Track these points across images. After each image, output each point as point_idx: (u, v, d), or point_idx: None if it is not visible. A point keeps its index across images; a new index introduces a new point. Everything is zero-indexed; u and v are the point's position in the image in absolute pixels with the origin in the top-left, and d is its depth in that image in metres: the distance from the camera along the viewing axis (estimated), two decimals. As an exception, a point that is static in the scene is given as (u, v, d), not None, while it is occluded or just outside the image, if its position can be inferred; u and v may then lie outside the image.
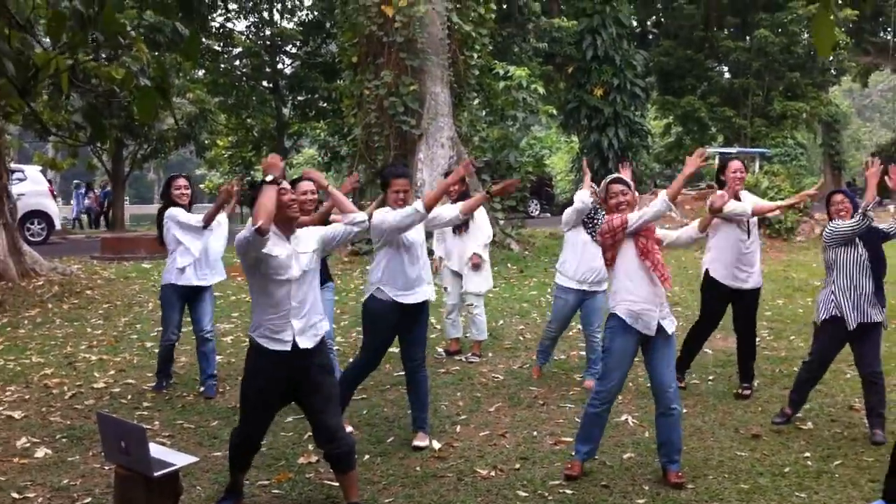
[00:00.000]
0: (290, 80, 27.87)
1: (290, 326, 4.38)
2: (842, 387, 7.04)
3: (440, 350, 8.44)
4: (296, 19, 28.65)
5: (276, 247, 4.32)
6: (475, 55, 15.69)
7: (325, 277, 6.37)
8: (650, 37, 35.48)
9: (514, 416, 6.36)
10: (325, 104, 27.27)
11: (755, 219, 6.88)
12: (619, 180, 5.20)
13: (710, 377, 7.43)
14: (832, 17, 2.36)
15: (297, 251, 4.45)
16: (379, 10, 14.15)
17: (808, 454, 5.48)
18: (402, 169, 6.35)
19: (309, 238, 4.59)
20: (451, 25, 14.93)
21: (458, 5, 15.13)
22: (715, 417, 6.29)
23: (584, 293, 7.07)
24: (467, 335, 8.42)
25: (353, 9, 14.56)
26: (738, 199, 6.67)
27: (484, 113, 17.47)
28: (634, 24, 32.48)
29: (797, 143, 34.25)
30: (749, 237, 6.79)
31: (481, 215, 8.05)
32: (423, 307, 5.70)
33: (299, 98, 28.25)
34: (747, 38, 31.19)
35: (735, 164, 6.71)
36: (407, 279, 5.56)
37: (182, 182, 7.01)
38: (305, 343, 4.42)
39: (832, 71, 36.70)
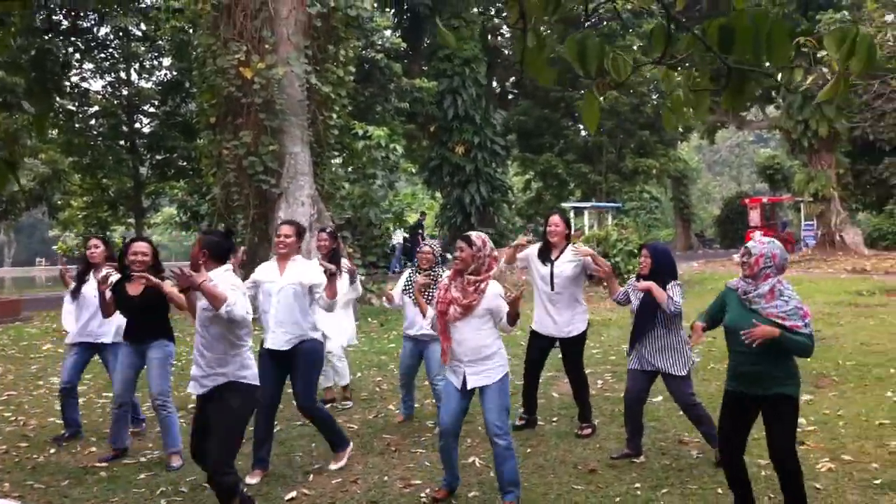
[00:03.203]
0: (149, 140, 27.50)
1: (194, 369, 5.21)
2: (674, 422, 7.52)
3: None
4: (154, 79, 28.39)
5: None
6: (335, 115, 15.98)
7: (158, 333, 6.67)
8: (509, 97, 36.76)
9: (367, 464, 6.55)
10: (184, 163, 27.03)
11: (570, 271, 7.26)
12: (464, 238, 5.57)
13: (555, 419, 7.81)
14: (598, 100, 2.78)
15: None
16: (237, 71, 14.30)
17: (638, 485, 5.85)
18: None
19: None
20: (310, 87, 15.20)
21: (317, 67, 15.43)
22: (556, 455, 6.64)
23: (418, 341, 7.64)
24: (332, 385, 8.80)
25: (211, 70, 14.65)
26: (548, 248, 7.36)
27: (345, 171, 17.76)
28: (494, 84, 33.63)
29: (652, 196, 36.05)
30: (553, 289, 7.27)
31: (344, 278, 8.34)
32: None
33: (158, 157, 27.86)
34: (601, 98, 32.64)
35: (552, 219, 7.39)
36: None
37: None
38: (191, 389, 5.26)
39: (679, 129, 38.87)
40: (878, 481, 5.74)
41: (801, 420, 6.05)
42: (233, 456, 5.08)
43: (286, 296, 6.27)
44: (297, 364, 6.32)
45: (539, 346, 7.52)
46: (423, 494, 5.76)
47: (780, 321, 4.73)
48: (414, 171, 33.91)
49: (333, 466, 6.41)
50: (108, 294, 6.63)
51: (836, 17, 25.78)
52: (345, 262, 8.41)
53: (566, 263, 7.26)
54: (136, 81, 27.99)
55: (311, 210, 14.73)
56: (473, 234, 5.57)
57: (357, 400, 8.86)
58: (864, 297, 16.65)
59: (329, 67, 15.70)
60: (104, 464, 6.68)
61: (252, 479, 6.12)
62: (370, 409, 8.46)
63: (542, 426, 7.58)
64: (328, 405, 8.40)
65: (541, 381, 9.22)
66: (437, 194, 35.59)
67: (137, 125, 28.12)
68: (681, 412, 7.62)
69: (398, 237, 26.75)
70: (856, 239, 29.68)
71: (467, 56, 27.84)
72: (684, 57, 2.71)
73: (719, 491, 5.64)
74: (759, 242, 4.98)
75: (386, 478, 6.19)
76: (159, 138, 26.91)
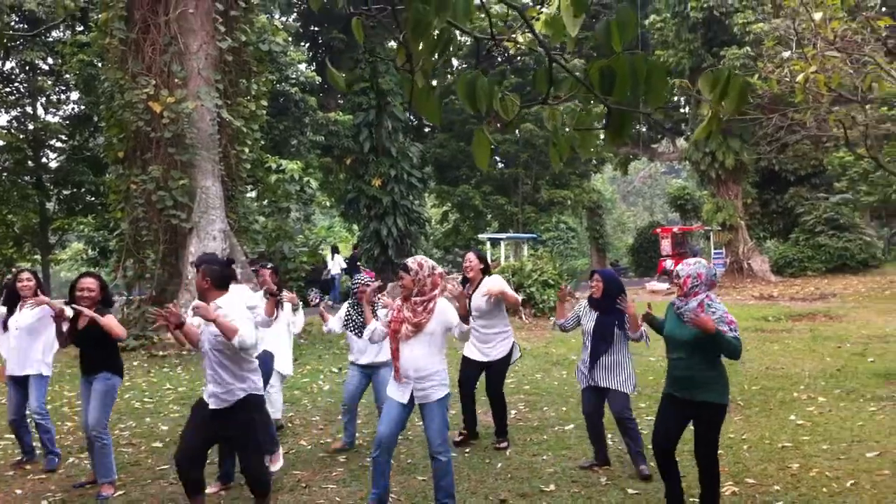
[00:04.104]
0: (55, 174, 26.87)
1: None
2: (584, 450, 7.60)
3: None
4: (61, 113, 27.81)
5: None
6: (247, 149, 15.86)
7: (102, 366, 6.73)
8: (426, 129, 37.00)
9: (277, 500, 6.46)
10: (92, 198, 26.46)
11: (485, 305, 7.85)
12: (402, 267, 6.01)
13: (467, 450, 7.83)
14: (488, 138, 2.85)
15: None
16: (146, 106, 14.09)
17: (549, 513, 5.93)
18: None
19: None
20: (221, 121, 15.06)
21: (228, 101, 15.30)
22: (468, 486, 6.65)
23: (366, 368, 7.97)
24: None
25: (120, 105, 14.39)
26: (465, 283, 7.98)
27: (258, 205, 17.60)
28: (410, 117, 33.82)
29: (568, 227, 36.44)
30: (481, 319, 7.89)
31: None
32: None
33: (65, 192, 27.23)
34: (516, 131, 33.20)
35: (468, 257, 8.16)
36: None
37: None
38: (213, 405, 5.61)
39: (593, 161, 39.62)
40: (779, 503, 5.90)
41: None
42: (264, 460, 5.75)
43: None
44: None
45: (467, 370, 8.12)
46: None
47: None
48: (330, 203, 33.86)
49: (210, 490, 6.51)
50: (66, 326, 6.82)
51: (739, 52, 26.72)
52: (288, 293, 8.61)
53: (482, 297, 7.84)
54: (43, 116, 27.40)
55: (222, 244, 14.53)
56: (410, 260, 6.01)
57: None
58: (770, 323, 17.16)
59: (241, 101, 15.59)
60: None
61: (212, 489, 6.47)
62: (282, 444, 8.34)
63: (454, 457, 7.58)
64: None
65: (454, 412, 9.37)
66: (355, 227, 35.53)
67: (44, 160, 27.47)
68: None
69: (336, 268, 26.53)
70: (763, 266, 30.56)
71: (384, 89, 27.97)
72: (570, 97, 2.79)
73: (626, 517, 5.76)
74: (686, 265, 5.64)
75: (296, 516, 6.13)
76: (67, 173, 26.34)
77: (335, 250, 27.91)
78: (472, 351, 8.05)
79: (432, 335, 5.86)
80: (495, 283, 7.84)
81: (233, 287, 6.56)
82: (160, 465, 7.62)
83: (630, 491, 6.33)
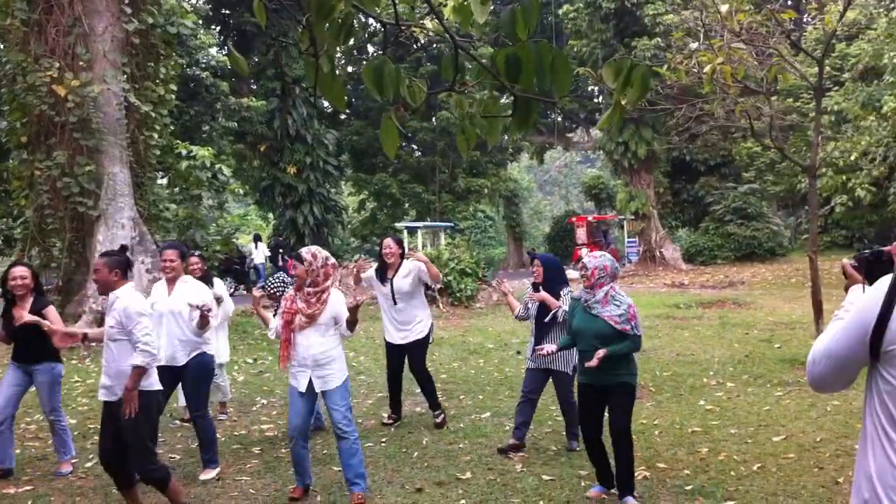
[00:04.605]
0: (-44, 160, 25.83)
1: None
2: (500, 438, 7.65)
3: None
4: (-38, 96, 26.75)
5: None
6: (156, 135, 15.45)
7: (43, 355, 6.79)
8: (341, 116, 36.69)
9: (189, 494, 6.28)
10: (-6, 185, 25.54)
11: (407, 286, 8.18)
12: (296, 256, 6.06)
13: (384, 440, 7.80)
14: (395, 125, 2.81)
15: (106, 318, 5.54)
16: (49, 89, 13.58)
17: (463, 501, 5.92)
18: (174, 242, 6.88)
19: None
20: (128, 105, 14.63)
21: (135, 85, 14.85)
22: (384, 476, 6.62)
23: None
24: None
25: (22, 88, 13.83)
26: (384, 268, 8.26)
27: (169, 192, 17.19)
28: (325, 104, 33.49)
29: (486, 215, 36.59)
30: (395, 303, 8.20)
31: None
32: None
33: (-34, 179, 26.21)
34: (432, 118, 33.18)
35: (386, 242, 8.34)
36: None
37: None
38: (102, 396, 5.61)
39: (510, 150, 39.86)
40: (689, 487, 6.03)
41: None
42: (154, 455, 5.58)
43: (174, 316, 6.71)
44: (188, 377, 6.79)
45: (392, 355, 8.42)
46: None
47: (613, 324, 5.67)
48: (244, 191, 33.31)
49: (203, 477, 6.73)
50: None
51: (649, 43, 27.20)
52: (218, 282, 8.75)
53: (403, 279, 8.15)
54: (-59, 98, 26.25)
55: (132, 232, 14.14)
56: (304, 251, 6.06)
57: (169, 431, 8.57)
58: (682, 310, 17.56)
59: (149, 85, 15.15)
60: None
61: (205, 476, 6.75)
62: (192, 437, 8.16)
63: (371, 447, 7.55)
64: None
65: (371, 401, 9.35)
66: (270, 215, 35.06)
67: (-57, 144, 26.32)
68: (507, 428, 7.91)
69: (260, 257, 26.16)
70: (675, 255, 31.26)
71: (297, 75, 27.60)
72: (476, 84, 2.76)
73: (541, 503, 5.79)
74: (593, 257, 5.89)
75: (204, 511, 6.02)
76: (-34, 159, 25.28)
77: (258, 238, 27.56)
78: (392, 335, 8.31)
79: (327, 325, 5.97)
80: (419, 262, 8.20)
81: (187, 279, 6.97)
82: (65, 460, 7.39)
83: (545, 477, 6.39)
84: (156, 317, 6.55)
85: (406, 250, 8.69)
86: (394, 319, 8.26)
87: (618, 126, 29.50)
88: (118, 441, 5.47)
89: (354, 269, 8.45)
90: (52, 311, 6.77)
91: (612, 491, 5.92)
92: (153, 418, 5.58)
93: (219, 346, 8.58)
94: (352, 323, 6.10)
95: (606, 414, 5.90)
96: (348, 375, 6.15)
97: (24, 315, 6.56)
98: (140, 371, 5.33)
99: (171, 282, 6.84)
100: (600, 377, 5.71)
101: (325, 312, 5.93)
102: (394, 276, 8.18)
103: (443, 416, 8.29)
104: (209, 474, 6.76)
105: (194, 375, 6.79)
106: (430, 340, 8.46)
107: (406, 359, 8.35)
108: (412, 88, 2.78)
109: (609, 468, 5.98)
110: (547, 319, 7.01)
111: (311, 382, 5.97)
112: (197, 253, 8.56)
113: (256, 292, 7.05)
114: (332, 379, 5.98)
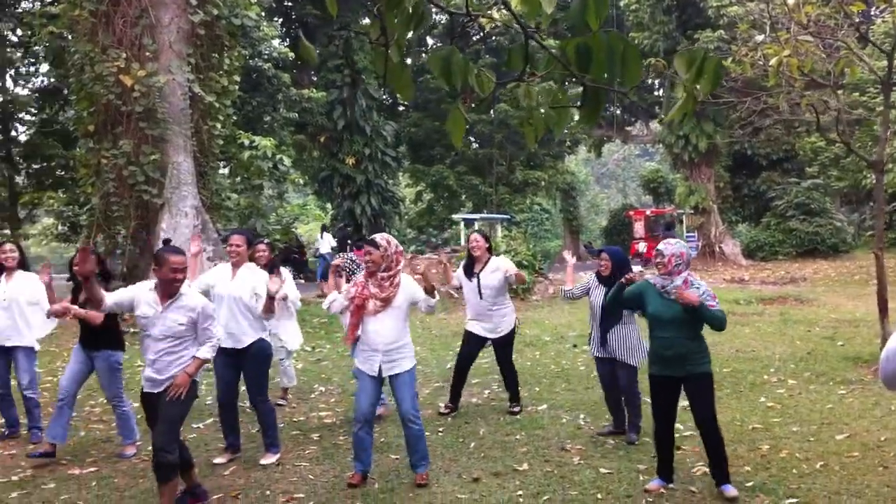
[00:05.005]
0: (25, 148, 26.43)
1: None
2: (557, 430, 7.65)
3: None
4: (31, 86, 27.37)
5: (148, 308, 5.40)
6: (219, 125, 15.69)
7: (104, 343, 6.94)
8: (400, 108, 36.82)
9: (249, 478, 6.44)
10: (62, 172, 26.10)
11: (494, 282, 8.24)
12: (370, 242, 6.11)
13: (441, 429, 7.84)
14: (463, 115, 2.82)
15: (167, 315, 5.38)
16: (116, 79, 13.87)
17: (521, 493, 5.92)
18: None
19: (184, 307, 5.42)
20: (193, 95, 14.87)
21: (200, 76, 15.09)
22: (441, 465, 6.65)
23: None
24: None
25: (90, 78, 14.15)
26: (471, 263, 8.38)
27: (231, 182, 17.44)
28: (384, 95, 33.65)
29: (542, 208, 36.48)
30: (481, 298, 8.24)
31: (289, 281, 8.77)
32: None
33: (35, 166, 26.82)
34: (490, 111, 33.13)
35: (473, 237, 8.53)
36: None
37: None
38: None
39: (568, 143, 39.63)
40: (749, 483, 5.95)
41: (678, 426, 6.29)
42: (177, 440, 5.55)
43: (235, 301, 6.74)
44: (248, 362, 6.87)
45: (470, 346, 8.49)
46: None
47: (694, 301, 5.58)
48: (303, 181, 33.64)
49: (264, 461, 6.84)
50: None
51: (713, 35, 26.78)
52: (284, 271, 8.73)
53: (490, 275, 8.24)
54: (12, 88, 26.95)
55: (194, 221, 14.40)
56: (378, 237, 6.14)
57: (241, 411, 8.70)
58: (741, 306, 17.30)
59: (213, 76, 15.39)
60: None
61: (221, 460, 6.91)
62: (253, 422, 8.29)
63: (428, 437, 7.57)
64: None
65: (428, 391, 9.38)
66: (328, 205, 35.35)
67: (13, 133, 27.04)
68: (564, 420, 7.90)
69: (326, 247, 26.38)
70: (734, 250, 30.81)
71: (358, 67, 27.76)
72: (545, 74, 2.76)
73: (598, 496, 5.78)
74: (668, 244, 5.85)
75: (268, 492, 6.10)
76: (36, 147, 25.90)
77: (325, 229, 27.78)
78: (477, 328, 8.40)
79: (399, 308, 6.07)
80: (509, 263, 8.43)
81: (250, 265, 7.02)
82: (130, 442, 7.56)
83: (602, 470, 6.36)
84: (217, 299, 6.73)
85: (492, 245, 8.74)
86: (479, 313, 8.34)
87: (679, 119, 29.10)
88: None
89: (443, 268, 8.71)
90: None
91: (671, 485, 5.89)
92: (189, 406, 5.56)
93: (288, 333, 8.81)
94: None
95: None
96: (416, 364, 6.26)
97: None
98: (204, 362, 5.47)
99: (236, 266, 6.91)
100: (681, 367, 5.70)
101: (398, 295, 6.03)
102: (481, 270, 8.28)
103: (519, 408, 8.42)
104: (270, 459, 6.86)
105: (254, 361, 6.88)
106: (516, 334, 8.57)
107: (490, 352, 8.67)
108: (480, 78, 2.79)
109: (672, 462, 5.98)
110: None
111: (380, 368, 6.07)
112: (265, 241, 8.67)
113: (337, 259, 7.35)
114: (402, 363, 6.11)
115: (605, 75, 2.45)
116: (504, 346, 8.44)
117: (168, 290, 5.39)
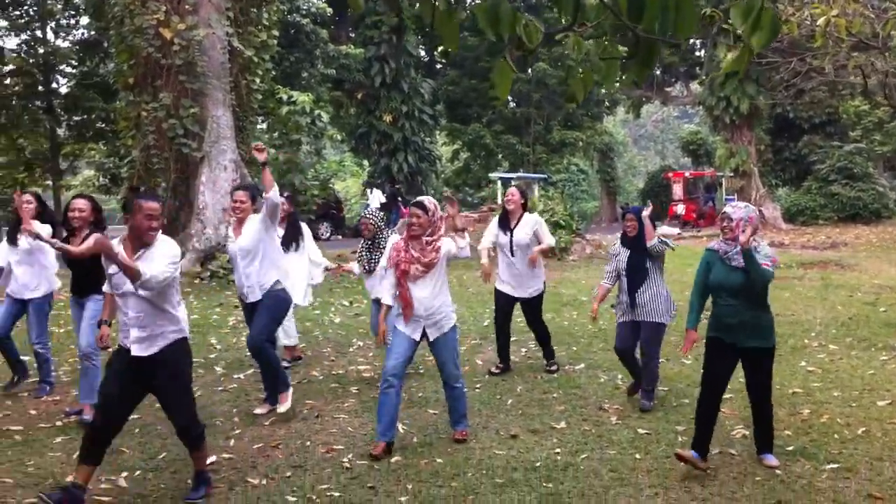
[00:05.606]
0: (66, 100, 26.69)
1: (127, 333, 4.90)
2: (594, 390, 7.64)
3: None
4: (71, 38, 27.56)
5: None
6: (258, 80, 15.70)
7: (94, 288, 6.66)
8: (438, 66, 36.59)
9: (289, 429, 6.51)
10: (102, 125, 26.33)
11: (526, 240, 8.14)
12: (418, 205, 6.02)
13: (478, 386, 7.86)
14: (511, 67, 2.78)
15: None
16: (156, 32, 13.91)
17: (558, 450, 5.93)
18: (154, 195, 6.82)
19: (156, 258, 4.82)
20: (232, 49, 14.88)
21: (239, 30, 15.09)
22: (479, 422, 6.67)
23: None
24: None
25: (130, 30, 14.20)
26: (507, 217, 8.27)
27: (269, 137, 17.49)
28: (422, 53, 33.42)
29: (579, 169, 36.23)
30: (512, 255, 8.15)
31: (309, 238, 8.89)
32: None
33: (75, 118, 27.08)
34: (528, 70, 32.80)
35: (510, 191, 8.38)
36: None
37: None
38: (137, 351, 4.86)
39: (606, 103, 39.21)
40: (790, 448, 5.89)
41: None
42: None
43: (244, 255, 6.77)
44: (260, 308, 6.80)
45: (502, 306, 8.37)
46: (345, 459, 5.76)
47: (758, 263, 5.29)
48: (341, 138, 33.64)
49: (280, 409, 6.82)
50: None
51: (759, -7, 26.20)
52: (303, 226, 8.82)
53: (523, 232, 8.14)
54: (53, 40, 27.16)
55: (233, 175, 14.48)
56: (426, 200, 6.07)
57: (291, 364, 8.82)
58: (781, 270, 17.07)
59: (252, 31, 15.39)
60: (19, 427, 6.59)
61: (261, 410, 6.98)
62: (294, 374, 8.38)
63: (465, 392, 7.63)
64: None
65: (465, 348, 9.40)
66: (365, 162, 35.38)
67: (54, 85, 27.30)
68: (602, 380, 7.89)
69: (375, 202, 26.28)
70: (775, 213, 30.43)
71: (396, 24, 27.58)
72: (595, 25, 2.71)
73: (637, 456, 5.76)
74: (737, 208, 5.53)
75: (308, 443, 6.17)
76: (77, 99, 26.16)
77: (371, 186, 27.72)
78: (507, 287, 8.32)
79: (439, 273, 6.03)
80: (542, 224, 8.33)
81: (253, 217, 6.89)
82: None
83: (640, 431, 6.34)
84: (231, 254, 6.93)
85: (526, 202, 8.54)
86: (509, 271, 8.26)
87: (720, 81, 28.69)
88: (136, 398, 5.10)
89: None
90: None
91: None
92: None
93: (294, 289, 8.43)
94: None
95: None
96: (457, 325, 6.20)
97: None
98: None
99: (240, 223, 6.87)
100: (744, 337, 5.43)
101: (440, 260, 5.98)
102: (515, 226, 8.17)
103: (556, 366, 8.41)
104: (262, 409, 6.98)
105: (264, 304, 6.79)
106: (544, 293, 8.48)
107: (522, 311, 8.48)
108: (528, 28, 2.74)
109: (710, 440, 5.57)
110: (655, 246, 6.88)
111: (423, 332, 6.02)
112: (286, 194, 8.57)
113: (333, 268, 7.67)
114: (445, 323, 6.03)
115: (658, 26, 2.39)
116: (532, 304, 8.37)
117: (142, 240, 4.88)
